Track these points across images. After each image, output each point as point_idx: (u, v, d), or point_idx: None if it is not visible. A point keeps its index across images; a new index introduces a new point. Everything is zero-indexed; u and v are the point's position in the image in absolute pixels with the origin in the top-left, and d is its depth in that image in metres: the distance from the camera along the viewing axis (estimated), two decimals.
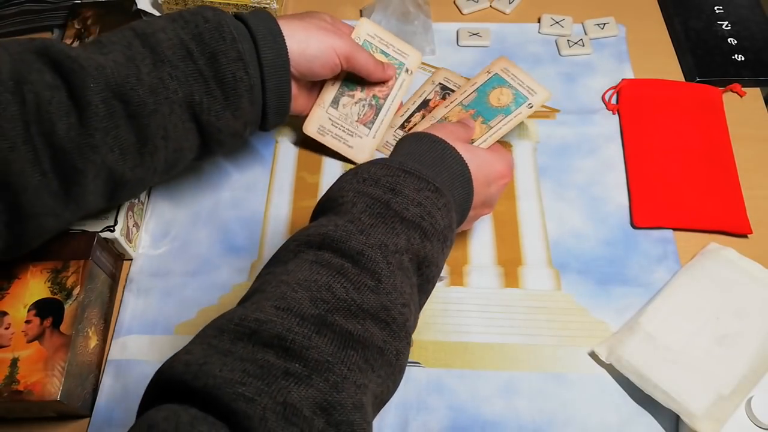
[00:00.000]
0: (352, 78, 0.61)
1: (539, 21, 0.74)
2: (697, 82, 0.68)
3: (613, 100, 0.68)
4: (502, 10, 0.75)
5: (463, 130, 0.54)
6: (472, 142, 0.55)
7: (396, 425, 0.50)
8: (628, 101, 0.67)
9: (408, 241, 0.39)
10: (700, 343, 0.50)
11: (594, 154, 0.64)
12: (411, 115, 0.64)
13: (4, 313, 0.49)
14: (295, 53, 0.53)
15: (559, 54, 0.72)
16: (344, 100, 0.61)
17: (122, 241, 0.56)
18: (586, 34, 0.73)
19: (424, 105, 0.65)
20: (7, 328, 0.48)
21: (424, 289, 0.41)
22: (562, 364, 0.53)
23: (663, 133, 0.64)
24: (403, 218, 0.39)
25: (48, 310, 0.49)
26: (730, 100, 0.67)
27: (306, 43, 0.53)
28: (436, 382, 0.52)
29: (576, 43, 0.72)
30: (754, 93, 0.68)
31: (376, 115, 0.62)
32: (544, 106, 0.68)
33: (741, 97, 0.68)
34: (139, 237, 0.60)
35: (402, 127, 0.64)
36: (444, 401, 0.51)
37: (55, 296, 0.50)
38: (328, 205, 0.42)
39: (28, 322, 0.49)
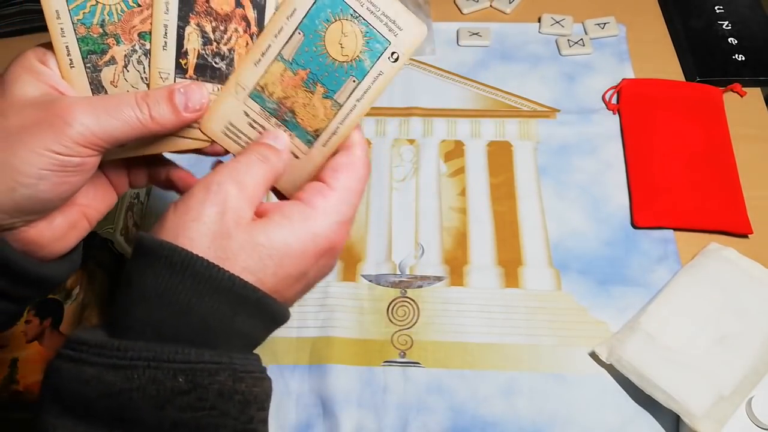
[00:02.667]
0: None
1: (539, 21, 0.74)
2: (698, 81, 0.68)
3: (614, 100, 0.68)
4: (502, 10, 0.75)
5: (261, 175, 0.32)
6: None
7: (396, 425, 0.50)
8: (629, 101, 0.67)
9: None
10: (701, 343, 0.50)
11: (594, 153, 0.64)
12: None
13: None
14: None
15: (560, 54, 0.72)
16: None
17: (121, 240, 0.55)
18: (586, 33, 0.73)
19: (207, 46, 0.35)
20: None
21: None
22: (563, 365, 0.53)
23: (663, 133, 0.64)
24: None
25: (47, 310, 0.49)
26: (730, 99, 0.67)
27: (4, 176, 0.30)
28: (436, 383, 0.52)
29: (576, 42, 0.72)
30: (755, 93, 0.68)
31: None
32: (543, 105, 0.68)
33: (741, 96, 0.68)
34: None
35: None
36: (444, 401, 0.51)
37: (55, 296, 0.50)
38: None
39: (27, 322, 0.49)
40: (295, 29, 0.34)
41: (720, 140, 0.64)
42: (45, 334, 0.48)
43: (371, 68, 0.34)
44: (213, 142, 0.36)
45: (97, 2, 0.33)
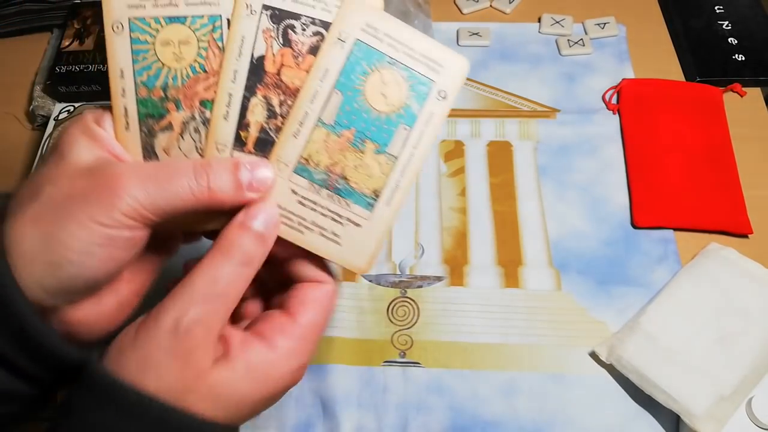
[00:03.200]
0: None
1: (539, 21, 0.74)
2: (698, 81, 0.68)
3: (614, 100, 0.68)
4: (502, 10, 0.75)
5: (236, 287, 0.30)
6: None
7: (396, 425, 0.50)
8: (629, 101, 0.67)
9: None
10: (701, 343, 0.50)
11: (594, 154, 0.64)
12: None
13: None
14: (32, 281, 0.28)
15: (560, 54, 0.72)
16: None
17: None
18: (586, 33, 0.73)
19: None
20: None
21: None
22: (563, 365, 0.53)
23: (663, 133, 0.64)
24: None
25: None
26: (730, 99, 0.67)
27: (49, 251, 0.28)
28: (436, 383, 0.52)
29: (576, 42, 0.72)
30: (755, 93, 0.68)
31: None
32: (543, 105, 0.68)
33: (741, 96, 0.68)
34: None
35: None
36: (444, 401, 0.51)
37: None
38: None
39: None
40: (331, 90, 0.32)
41: (720, 140, 0.64)
42: None
43: (420, 112, 0.32)
44: None
45: (163, 65, 0.32)
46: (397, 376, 0.52)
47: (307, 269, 0.33)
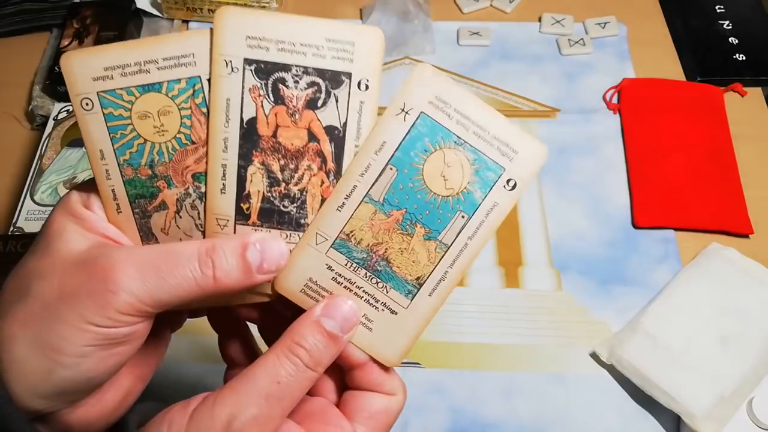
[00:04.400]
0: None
1: (540, 20, 0.74)
2: (699, 81, 0.68)
3: (614, 100, 0.67)
4: (503, 9, 0.75)
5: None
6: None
7: (395, 427, 0.50)
8: (629, 101, 0.66)
9: None
10: (702, 344, 0.50)
11: (595, 153, 0.64)
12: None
13: None
14: (24, 389, 0.25)
15: (560, 53, 0.71)
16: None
17: None
18: (587, 33, 0.73)
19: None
20: None
21: None
22: (563, 365, 0.52)
23: (664, 133, 0.64)
24: None
25: None
26: (731, 99, 0.67)
27: (40, 356, 0.25)
28: (436, 383, 0.52)
29: (577, 42, 0.71)
30: (756, 93, 0.68)
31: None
32: (543, 105, 0.68)
33: (742, 96, 0.67)
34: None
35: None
36: (444, 402, 0.51)
37: None
38: None
39: None
40: (386, 165, 0.28)
41: (721, 140, 0.63)
42: None
43: (483, 200, 0.29)
44: (282, 298, 0.30)
45: (146, 140, 0.28)
46: None
47: (376, 375, 0.30)
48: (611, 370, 0.52)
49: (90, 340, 0.25)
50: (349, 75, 0.28)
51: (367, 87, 0.28)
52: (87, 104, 0.28)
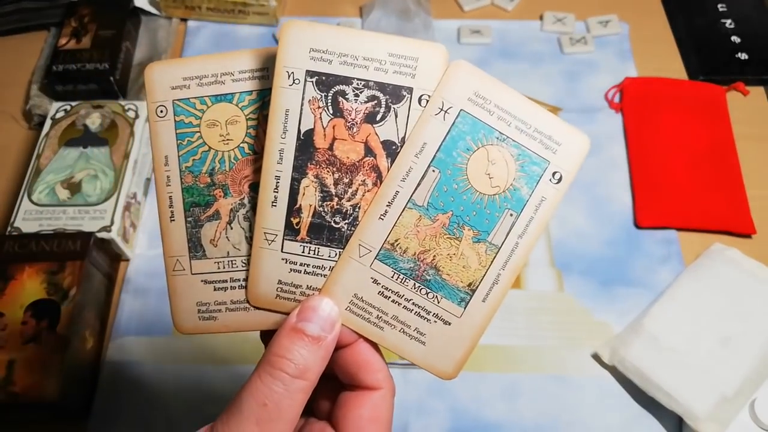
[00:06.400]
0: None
1: (541, 18, 0.73)
2: (701, 80, 0.68)
3: (616, 99, 0.67)
4: (504, 8, 0.75)
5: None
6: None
7: (396, 428, 0.50)
8: (632, 100, 0.66)
9: None
10: (704, 345, 0.50)
11: (597, 153, 0.64)
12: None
13: (0, 314, 0.49)
14: None
15: (562, 52, 0.71)
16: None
17: (119, 241, 0.55)
18: (588, 31, 0.72)
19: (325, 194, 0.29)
20: (3, 330, 0.48)
21: None
22: (565, 366, 0.52)
23: (666, 132, 0.63)
24: None
25: (44, 312, 0.49)
26: (733, 98, 0.66)
27: None
28: (436, 384, 0.52)
29: (579, 40, 0.71)
30: (758, 92, 0.68)
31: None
32: (544, 104, 0.67)
33: (744, 95, 0.67)
34: (136, 237, 0.59)
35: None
36: (445, 403, 0.51)
37: (51, 297, 0.50)
38: None
39: (24, 323, 0.48)
40: (428, 167, 0.27)
41: (723, 139, 0.63)
42: (42, 335, 0.48)
43: (531, 196, 0.28)
44: None
45: (210, 148, 0.28)
46: (397, 378, 0.51)
47: (366, 353, 0.29)
48: (613, 371, 0.51)
49: None
50: (410, 90, 0.27)
51: (427, 102, 0.27)
52: (161, 111, 0.29)
